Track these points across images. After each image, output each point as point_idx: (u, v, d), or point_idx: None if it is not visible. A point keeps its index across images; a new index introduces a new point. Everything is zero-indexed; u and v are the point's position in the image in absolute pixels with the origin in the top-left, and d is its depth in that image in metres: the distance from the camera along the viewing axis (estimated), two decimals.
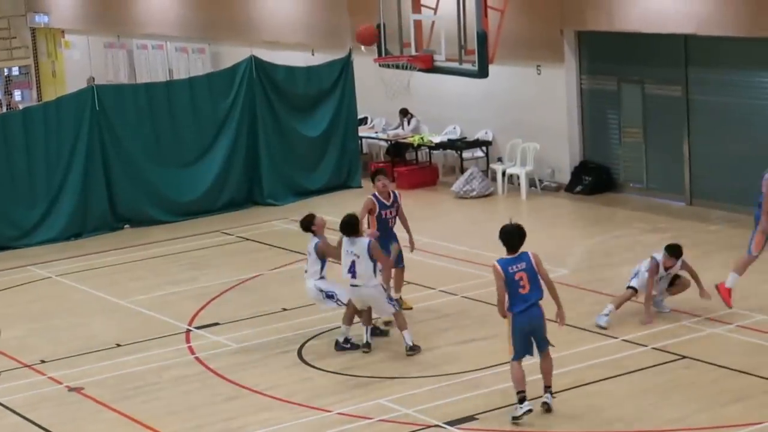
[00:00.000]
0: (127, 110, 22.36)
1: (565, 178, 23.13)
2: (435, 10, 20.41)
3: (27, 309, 17.64)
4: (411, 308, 15.91)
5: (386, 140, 25.60)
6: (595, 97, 22.82)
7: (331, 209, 21.17)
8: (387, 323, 15.15)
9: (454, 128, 25.06)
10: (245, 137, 23.42)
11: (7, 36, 39.88)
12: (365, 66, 23.09)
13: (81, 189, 21.82)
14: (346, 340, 14.71)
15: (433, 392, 13.18)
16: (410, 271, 16.70)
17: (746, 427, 11.75)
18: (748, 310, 15.16)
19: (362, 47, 20.83)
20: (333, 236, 15.35)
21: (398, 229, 15.76)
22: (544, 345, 12.26)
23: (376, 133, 26.06)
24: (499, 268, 12.06)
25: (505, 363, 13.44)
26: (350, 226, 14.39)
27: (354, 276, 14.31)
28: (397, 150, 25.38)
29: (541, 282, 12.15)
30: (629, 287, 15.17)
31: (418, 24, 20.56)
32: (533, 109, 23.39)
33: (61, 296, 18.22)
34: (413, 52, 20.48)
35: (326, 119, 24.23)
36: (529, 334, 12.16)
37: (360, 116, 25.60)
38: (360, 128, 25.62)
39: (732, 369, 13.31)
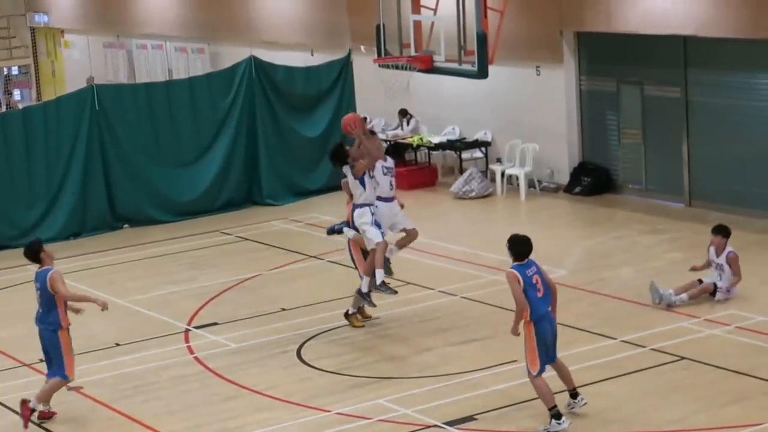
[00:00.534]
0: (127, 110, 22.36)
1: (564, 178, 23.12)
2: (434, 10, 20.42)
3: (26, 308, 17.56)
4: (363, 326, 15.55)
5: (385, 140, 25.56)
6: (595, 98, 22.81)
7: (330, 209, 21.19)
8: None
9: (454, 129, 25.06)
10: (244, 137, 23.42)
11: (6, 35, 39.90)
12: (365, 66, 23.09)
13: (80, 188, 21.83)
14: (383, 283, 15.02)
15: (432, 392, 13.16)
16: (410, 272, 16.71)
17: (745, 428, 11.75)
18: (747, 311, 15.17)
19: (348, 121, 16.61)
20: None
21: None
22: (555, 352, 12.11)
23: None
24: (517, 273, 11.83)
25: (505, 363, 13.45)
26: (337, 155, 15.06)
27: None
28: (397, 150, 25.34)
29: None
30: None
31: (417, 24, 20.58)
32: (532, 109, 23.38)
33: None
34: (413, 53, 20.51)
35: (325, 119, 24.21)
36: (551, 341, 11.94)
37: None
38: None
39: (731, 370, 13.30)
